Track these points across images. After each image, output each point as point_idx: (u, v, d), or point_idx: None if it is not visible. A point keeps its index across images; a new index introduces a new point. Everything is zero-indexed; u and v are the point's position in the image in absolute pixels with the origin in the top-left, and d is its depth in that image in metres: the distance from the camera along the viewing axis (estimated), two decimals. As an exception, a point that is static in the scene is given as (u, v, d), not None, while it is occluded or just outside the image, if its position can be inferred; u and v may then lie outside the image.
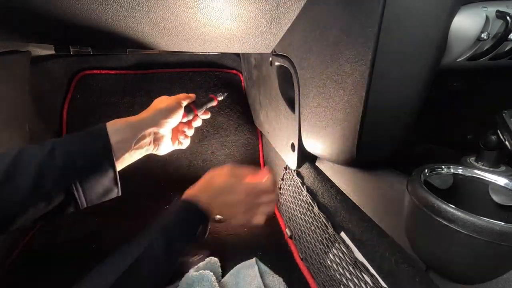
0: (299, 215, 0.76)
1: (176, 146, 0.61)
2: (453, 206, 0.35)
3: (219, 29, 0.59)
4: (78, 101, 1.02)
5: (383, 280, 0.48)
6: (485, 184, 0.43)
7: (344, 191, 0.64)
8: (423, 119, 0.52)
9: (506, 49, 0.46)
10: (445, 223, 0.35)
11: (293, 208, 0.80)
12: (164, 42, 0.64)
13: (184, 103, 0.56)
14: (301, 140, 0.68)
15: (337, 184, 0.66)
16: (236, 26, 0.59)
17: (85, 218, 0.83)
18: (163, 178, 0.99)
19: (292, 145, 0.74)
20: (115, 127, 0.46)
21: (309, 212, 0.71)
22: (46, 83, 0.96)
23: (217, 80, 1.18)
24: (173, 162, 1.03)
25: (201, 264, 0.67)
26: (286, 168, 0.87)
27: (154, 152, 0.57)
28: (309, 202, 0.70)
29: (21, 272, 0.67)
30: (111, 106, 1.04)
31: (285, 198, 0.86)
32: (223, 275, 0.66)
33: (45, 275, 0.66)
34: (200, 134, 1.09)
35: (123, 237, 0.82)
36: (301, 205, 0.75)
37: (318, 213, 0.66)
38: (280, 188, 0.91)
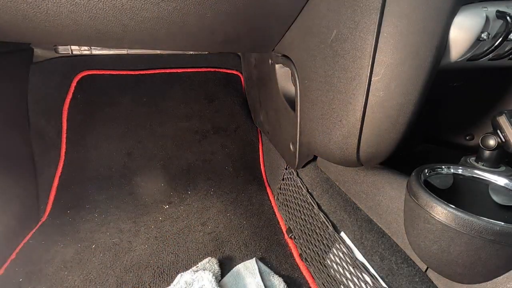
0: (299, 215, 0.76)
1: None
2: (453, 206, 0.35)
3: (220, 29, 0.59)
4: (78, 101, 1.02)
5: (383, 280, 0.48)
6: (485, 184, 0.43)
7: (344, 191, 0.64)
8: (423, 119, 0.52)
9: (506, 49, 0.46)
10: (445, 223, 0.35)
11: (293, 208, 0.80)
12: (164, 43, 0.64)
13: None
14: (301, 140, 0.68)
15: (337, 184, 0.66)
16: (236, 26, 0.59)
17: (83, 218, 0.83)
18: (163, 178, 0.99)
19: (292, 145, 0.74)
20: None
21: (309, 212, 0.71)
22: (46, 83, 0.96)
23: (217, 80, 1.18)
24: (173, 162, 1.03)
25: (200, 264, 0.68)
26: (286, 168, 0.87)
27: None
28: (309, 202, 0.70)
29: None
30: (111, 106, 1.04)
31: (285, 198, 0.86)
32: (222, 275, 0.66)
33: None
34: (200, 135, 1.09)
35: (123, 237, 0.81)
36: (301, 205, 0.75)
37: (318, 213, 0.66)
38: (280, 188, 0.91)
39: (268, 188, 1.01)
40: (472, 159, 0.52)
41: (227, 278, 0.65)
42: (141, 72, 1.11)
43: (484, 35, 0.43)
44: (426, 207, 0.37)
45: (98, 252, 0.72)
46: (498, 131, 0.47)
